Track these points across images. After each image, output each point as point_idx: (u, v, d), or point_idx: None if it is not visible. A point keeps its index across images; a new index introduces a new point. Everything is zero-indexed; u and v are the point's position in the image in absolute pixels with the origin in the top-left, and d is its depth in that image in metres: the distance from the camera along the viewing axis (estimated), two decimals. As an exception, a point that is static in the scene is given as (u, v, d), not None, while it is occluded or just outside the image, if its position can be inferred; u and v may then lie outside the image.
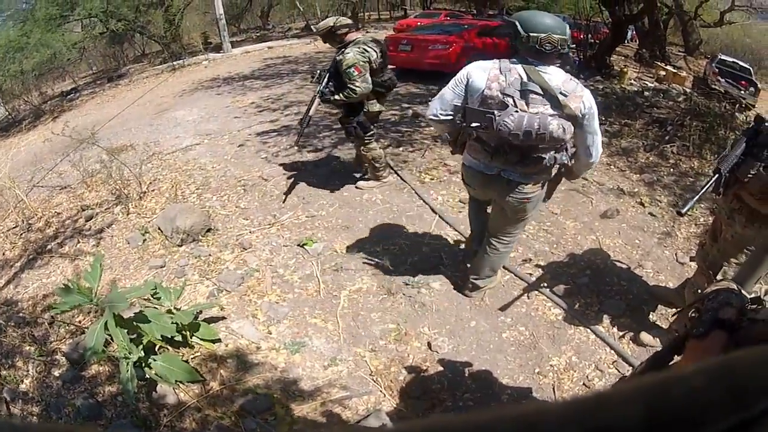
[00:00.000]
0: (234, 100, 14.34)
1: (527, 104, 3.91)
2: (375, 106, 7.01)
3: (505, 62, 3.99)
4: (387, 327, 5.29)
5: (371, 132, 7.20)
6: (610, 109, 11.86)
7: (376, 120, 7.37)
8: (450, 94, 4.23)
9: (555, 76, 3.91)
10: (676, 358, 2.08)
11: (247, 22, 41.63)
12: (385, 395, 4.48)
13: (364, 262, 6.24)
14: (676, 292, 5.42)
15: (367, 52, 6.46)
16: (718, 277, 4.33)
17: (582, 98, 3.92)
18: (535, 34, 3.81)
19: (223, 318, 5.40)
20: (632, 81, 17.05)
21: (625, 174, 8.77)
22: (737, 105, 15.78)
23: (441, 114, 4.30)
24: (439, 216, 7.25)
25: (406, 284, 5.82)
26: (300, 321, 5.39)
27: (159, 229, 6.97)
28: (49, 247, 7.18)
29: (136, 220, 7.51)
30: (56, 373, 4.88)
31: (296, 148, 9.38)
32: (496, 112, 3.91)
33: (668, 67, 20.38)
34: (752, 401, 0.42)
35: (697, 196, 3.56)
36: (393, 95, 10.55)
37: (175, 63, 23.45)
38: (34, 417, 4.47)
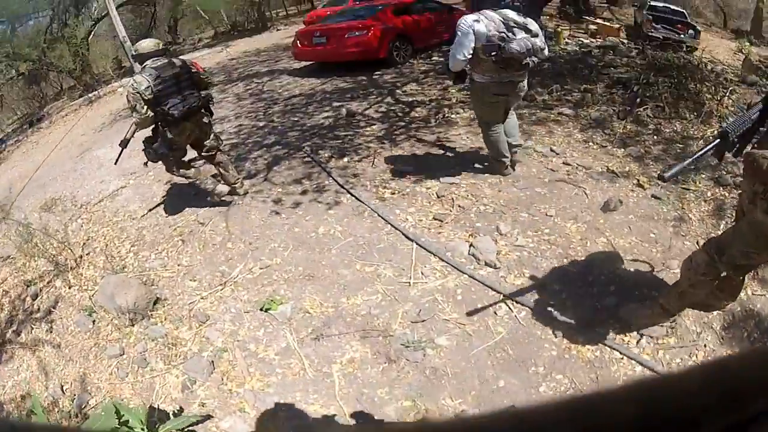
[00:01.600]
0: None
1: (514, 34, 5.80)
2: (178, 134, 6.66)
3: (484, 14, 5.87)
4: (401, 405, 4.42)
5: (164, 156, 6.85)
6: (562, 76, 10.83)
7: (195, 145, 7.11)
8: (466, 42, 5.83)
9: (514, 14, 5.89)
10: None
11: (157, 36, 39.17)
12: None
13: (346, 322, 5.28)
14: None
15: (136, 82, 6.17)
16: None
17: (533, 22, 5.93)
18: None
19: (209, 417, 4.61)
20: (567, 41, 16.10)
21: (608, 150, 7.80)
22: (682, 50, 15.53)
23: (466, 55, 5.91)
24: (417, 243, 6.13)
25: (406, 346, 4.81)
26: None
27: (103, 308, 6.20)
28: (8, 336, 6.54)
29: (79, 294, 6.69)
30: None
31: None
32: (501, 44, 5.71)
33: (598, 21, 19.58)
34: (747, 403, 0.42)
35: (689, 160, 3.39)
36: (321, 95, 12.36)
37: (90, 95, 21.90)
38: None
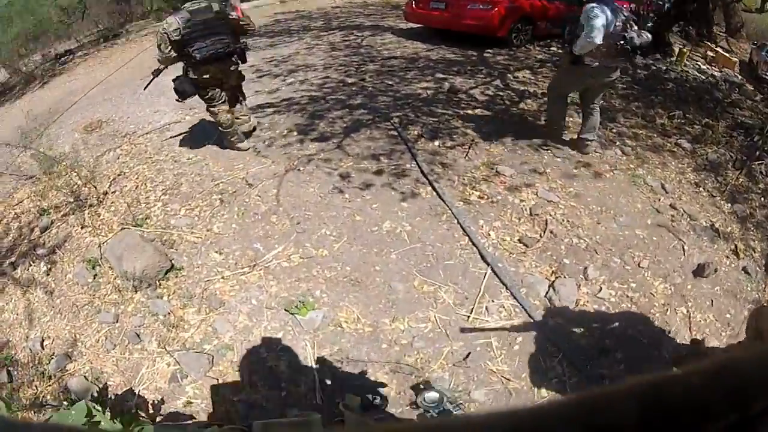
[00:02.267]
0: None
1: (631, 26, 6.28)
2: (200, 75, 6.61)
3: (605, 7, 6.01)
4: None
5: (189, 96, 6.83)
6: (686, 103, 9.61)
7: (220, 87, 6.92)
8: (602, 28, 5.92)
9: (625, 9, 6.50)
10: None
11: None
12: None
13: (381, 349, 4.45)
14: None
15: (167, 23, 6.26)
16: None
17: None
18: None
19: (192, 418, 4.05)
20: (686, 62, 14.83)
21: (716, 202, 6.83)
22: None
23: (601, 40, 5.98)
24: (492, 269, 5.02)
25: (436, 404, 3.64)
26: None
27: (109, 262, 5.47)
28: (4, 266, 6.00)
29: (90, 239, 5.91)
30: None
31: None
32: (624, 34, 6.15)
33: (718, 49, 18.02)
34: (751, 401, 0.42)
35: None
36: (424, 62, 11.24)
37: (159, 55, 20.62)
38: None
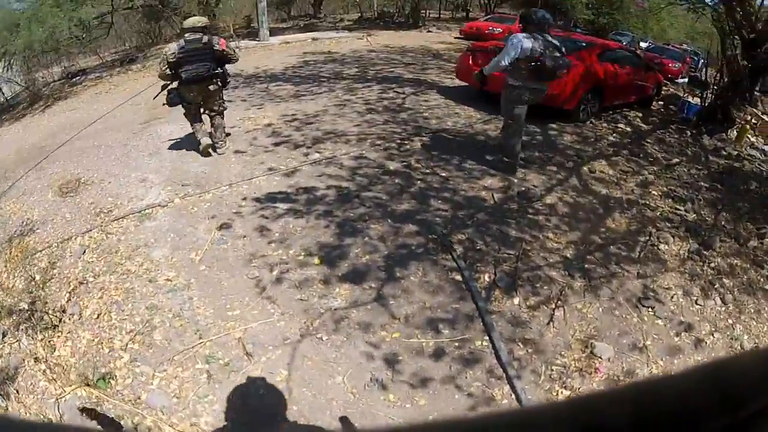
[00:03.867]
0: (245, 116, 10.06)
1: (551, 52, 6.96)
2: (186, 92, 7.78)
3: (530, 34, 6.91)
4: None
5: (175, 105, 7.95)
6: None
7: (203, 105, 8.07)
8: (513, 53, 6.82)
9: (552, 37, 7.14)
10: None
11: (298, 8, 37.61)
12: None
13: None
14: None
15: (169, 47, 7.63)
16: None
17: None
18: (542, 21, 7.07)
19: None
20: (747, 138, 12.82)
21: None
22: None
23: (509, 64, 6.92)
24: None
25: None
26: None
27: None
28: None
29: (45, 384, 4.21)
30: None
31: None
32: (541, 58, 6.81)
33: (758, 112, 15.79)
34: (743, 403, 0.42)
35: None
36: (482, 140, 9.07)
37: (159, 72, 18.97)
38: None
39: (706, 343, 5.09)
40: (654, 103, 13.75)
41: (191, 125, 8.15)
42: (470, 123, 9.81)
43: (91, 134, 10.03)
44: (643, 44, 31.59)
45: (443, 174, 7.48)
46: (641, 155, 9.26)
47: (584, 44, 11.24)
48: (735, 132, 12.20)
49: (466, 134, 9.23)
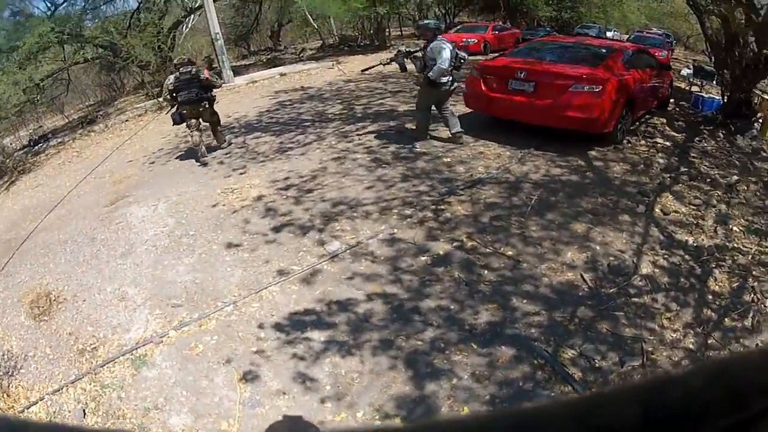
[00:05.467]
0: (227, 187, 8.20)
1: (457, 54, 8.61)
2: (182, 111, 9.75)
3: (443, 40, 8.50)
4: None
5: (178, 123, 10.01)
6: None
7: (198, 118, 9.91)
8: (449, 57, 8.28)
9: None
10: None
11: (257, 42, 36.20)
12: None
13: None
14: None
15: (169, 78, 9.83)
16: None
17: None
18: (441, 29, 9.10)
19: None
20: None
21: None
22: None
23: (448, 66, 8.35)
24: None
25: None
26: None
27: None
28: None
29: None
30: None
31: None
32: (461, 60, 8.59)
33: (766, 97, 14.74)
34: (750, 402, 0.42)
35: None
36: (527, 188, 7.38)
37: (161, 99, 16.94)
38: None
39: None
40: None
41: (191, 136, 10.00)
42: (504, 165, 8.12)
43: (55, 223, 8.70)
44: (609, 34, 31.37)
45: (510, 252, 5.80)
46: (698, 177, 8.04)
47: (604, 51, 9.74)
48: (757, 125, 11.28)
49: (506, 182, 7.52)
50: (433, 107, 9.20)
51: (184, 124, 9.87)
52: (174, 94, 9.64)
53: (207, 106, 9.89)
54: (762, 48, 10.44)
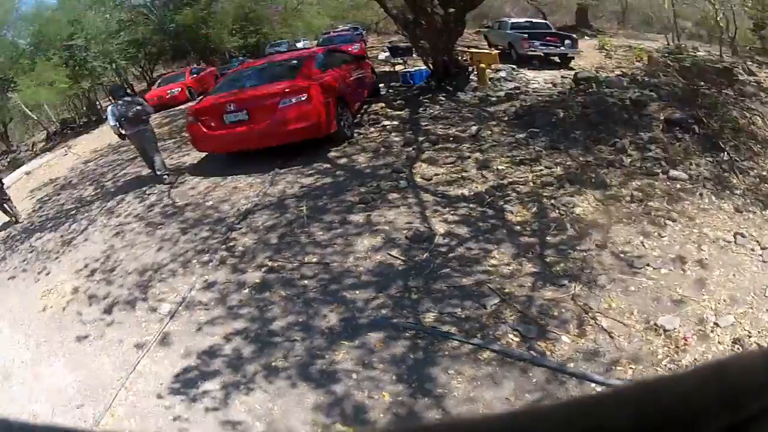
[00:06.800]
0: (44, 289, 8.01)
1: (129, 107, 10.06)
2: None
3: (115, 103, 9.83)
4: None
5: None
6: (596, 126, 8.70)
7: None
8: (113, 115, 10.01)
9: (132, 97, 10.52)
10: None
11: None
12: None
13: None
14: None
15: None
16: None
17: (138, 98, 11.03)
18: (114, 91, 11.47)
19: None
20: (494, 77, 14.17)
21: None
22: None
23: (116, 122, 10.18)
24: None
25: None
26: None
27: None
28: None
29: None
30: None
31: None
32: (127, 112, 9.80)
33: (472, 50, 17.00)
34: (744, 403, 0.43)
35: None
36: (298, 225, 7.44)
37: None
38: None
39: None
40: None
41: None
42: (261, 191, 8.90)
43: None
44: (299, 45, 32.44)
45: (315, 259, 6.57)
46: (439, 140, 9.16)
47: (295, 62, 10.74)
48: (474, 77, 12.97)
49: (271, 204, 8.34)
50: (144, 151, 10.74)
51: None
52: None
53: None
54: (446, 8, 11.80)
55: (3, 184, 11.58)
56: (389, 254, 6.18)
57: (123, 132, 10.34)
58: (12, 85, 23.50)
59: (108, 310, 6.85)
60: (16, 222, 11.59)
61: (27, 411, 5.63)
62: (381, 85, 14.30)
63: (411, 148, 9.06)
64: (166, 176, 10.60)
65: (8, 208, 11.63)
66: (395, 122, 10.72)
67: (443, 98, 11.75)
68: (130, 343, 6.02)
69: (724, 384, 0.44)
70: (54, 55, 22.47)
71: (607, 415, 0.42)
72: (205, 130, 10.00)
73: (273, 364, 5.05)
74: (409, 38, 14.16)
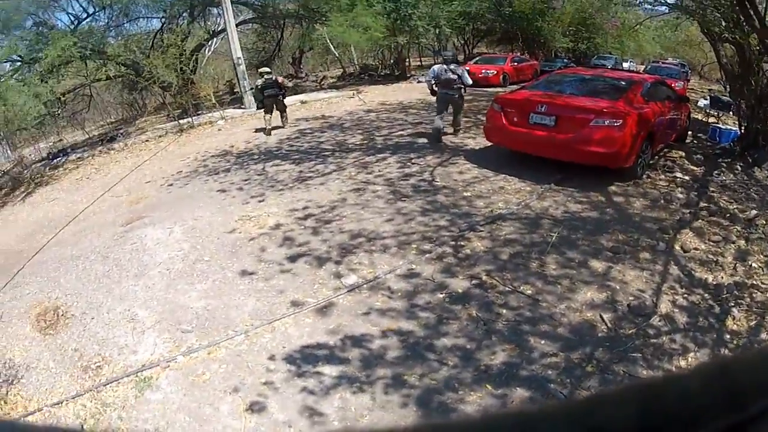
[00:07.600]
0: (245, 214, 8.07)
1: (446, 73, 11.27)
2: (265, 100, 14.40)
3: (440, 65, 11.55)
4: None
5: (260, 107, 15.00)
6: None
7: (276, 107, 14.52)
8: (432, 73, 11.46)
9: (455, 67, 11.43)
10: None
11: (278, 69, 34.04)
12: None
13: None
14: None
15: (257, 82, 14.65)
16: None
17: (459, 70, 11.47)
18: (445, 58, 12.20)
19: None
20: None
21: None
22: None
23: (431, 79, 11.48)
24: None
25: None
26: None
27: None
28: None
29: None
30: None
31: None
32: (441, 75, 11.28)
33: None
34: (747, 402, 0.42)
35: None
36: (547, 225, 7.12)
37: (183, 122, 17.61)
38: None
39: None
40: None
41: (264, 117, 14.28)
42: (524, 201, 7.93)
43: (69, 238, 8.67)
44: (625, 65, 30.90)
45: (529, 291, 5.65)
46: (718, 212, 7.80)
47: (623, 84, 9.51)
48: None
49: (527, 218, 7.36)
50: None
51: (266, 109, 14.24)
52: (262, 90, 14.12)
53: (279, 96, 14.41)
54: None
55: (285, 90, 15.02)
56: (601, 315, 5.36)
57: (435, 89, 11.82)
58: (323, 18, 23.82)
59: (293, 258, 6.60)
60: (272, 131, 14.33)
61: (129, 312, 5.92)
62: (690, 132, 12.84)
63: (688, 211, 7.93)
64: (452, 133, 12.45)
65: (281, 110, 14.82)
66: (686, 177, 9.47)
67: (739, 167, 10.34)
68: (289, 297, 5.83)
69: (726, 383, 0.43)
70: (377, 3, 22.05)
71: (610, 414, 0.42)
72: (505, 122, 9.40)
73: (405, 377, 4.63)
74: (730, 93, 13.17)
